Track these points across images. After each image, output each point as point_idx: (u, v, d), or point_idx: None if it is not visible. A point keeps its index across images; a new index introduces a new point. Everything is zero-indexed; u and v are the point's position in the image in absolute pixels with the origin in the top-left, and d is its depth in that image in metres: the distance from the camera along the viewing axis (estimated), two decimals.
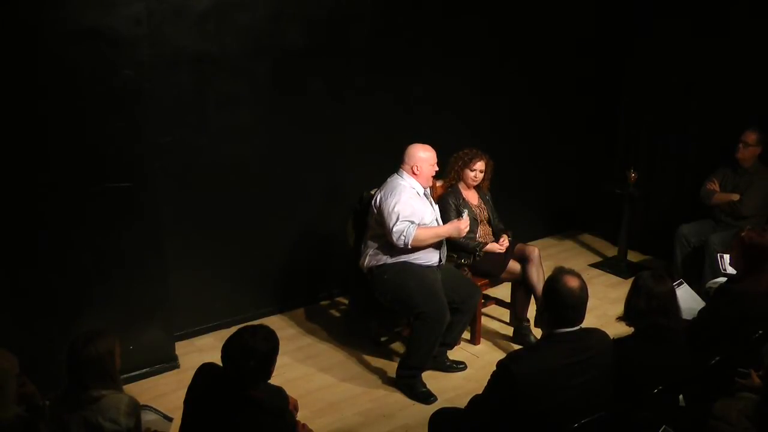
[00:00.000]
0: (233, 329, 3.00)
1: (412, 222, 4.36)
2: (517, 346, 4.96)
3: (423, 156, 4.49)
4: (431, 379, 4.60)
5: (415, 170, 4.49)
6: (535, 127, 6.57)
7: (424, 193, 4.59)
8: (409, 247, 4.37)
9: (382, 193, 4.49)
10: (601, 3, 6.59)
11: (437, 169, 4.60)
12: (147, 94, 4.25)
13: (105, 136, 4.17)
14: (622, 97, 6.71)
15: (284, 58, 5.05)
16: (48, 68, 3.93)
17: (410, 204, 4.42)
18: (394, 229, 4.34)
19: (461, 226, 4.49)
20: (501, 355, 4.41)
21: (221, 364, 2.90)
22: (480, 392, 3.09)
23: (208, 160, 4.90)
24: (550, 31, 6.40)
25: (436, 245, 4.55)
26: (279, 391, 3.05)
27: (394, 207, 4.37)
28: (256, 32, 4.90)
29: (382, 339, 5.09)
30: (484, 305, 5.24)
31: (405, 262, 4.47)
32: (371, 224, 4.57)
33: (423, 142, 4.57)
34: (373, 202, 4.54)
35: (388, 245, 4.44)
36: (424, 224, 4.46)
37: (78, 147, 4.10)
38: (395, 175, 4.55)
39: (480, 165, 4.97)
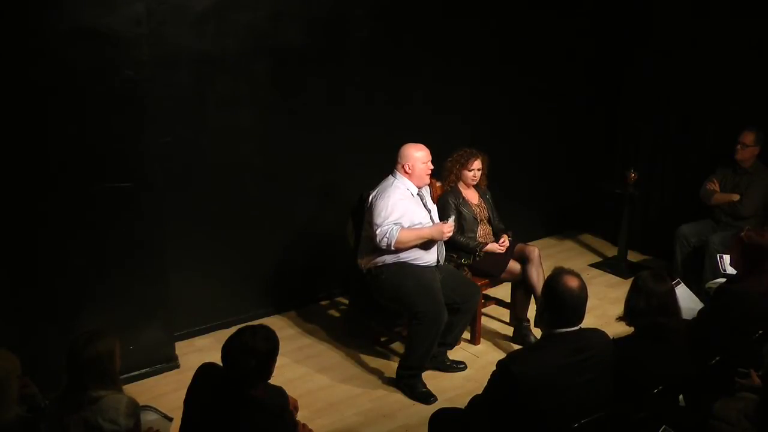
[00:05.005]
0: (233, 329, 3.01)
1: (398, 224, 4.36)
2: (517, 346, 4.96)
3: (416, 155, 4.48)
4: (431, 379, 4.60)
5: (407, 169, 4.49)
6: (535, 127, 6.56)
7: (419, 194, 4.59)
8: (392, 248, 4.37)
9: (374, 193, 4.50)
10: (600, 3, 6.59)
11: (432, 167, 4.58)
12: (147, 94, 4.25)
13: (105, 136, 4.17)
14: (621, 96, 6.71)
15: (284, 58, 5.05)
16: (48, 68, 3.93)
17: (401, 205, 4.42)
18: (377, 231, 4.35)
19: (444, 229, 4.44)
20: (501, 355, 4.41)
21: (221, 364, 2.90)
22: (480, 392, 3.09)
23: (208, 160, 4.90)
24: (550, 31, 6.40)
25: (432, 245, 4.55)
26: (279, 391, 3.05)
27: (382, 209, 4.37)
28: (256, 32, 4.90)
29: (382, 339, 5.09)
30: (484, 305, 5.24)
31: (404, 263, 4.47)
32: (365, 225, 4.58)
33: (422, 142, 4.57)
34: (366, 203, 4.55)
35: None
36: (414, 225, 4.46)
37: (78, 147, 4.10)
38: (390, 176, 4.55)
39: (477, 164, 4.98)
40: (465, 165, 4.97)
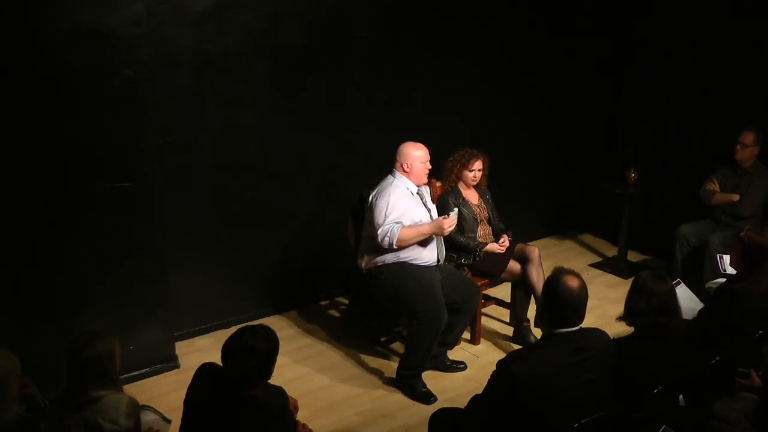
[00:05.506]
0: (233, 329, 3.01)
1: (398, 223, 4.37)
2: (517, 346, 4.96)
3: (414, 153, 4.48)
4: (431, 379, 4.60)
5: (406, 168, 4.49)
6: (535, 127, 6.57)
7: (418, 192, 4.59)
8: (395, 247, 4.37)
9: (374, 193, 4.50)
10: (599, 4, 6.59)
11: (430, 167, 4.57)
12: (147, 94, 4.25)
13: (105, 136, 4.17)
14: (621, 96, 6.71)
15: (284, 58, 5.05)
16: (48, 68, 3.93)
17: (401, 204, 4.42)
18: (379, 230, 4.36)
19: (444, 225, 4.41)
20: (501, 355, 4.41)
21: (221, 364, 2.90)
22: (480, 392, 3.09)
23: (208, 160, 4.91)
24: (550, 31, 6.40)
25: (431, 244, 4.54)
26: (279, 391, 3.05)
27: (382, 208, 4.38)
28: (256, 32, 4.91)
29: (382, 339, 5.09)
30: (484, 305, 5.24)
31: (403, 263, 4.47)
32: (365, 225, 4.58)
33: (422, 142, 4.56)
34: (366, 202, 4.55)
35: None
36: (414, 223, 4.46)
37: (78, 147, 4.10)
38: (389, 176, 4.55)
39: (478, 164, 4.98)
40: (466, 165, 4.97)
